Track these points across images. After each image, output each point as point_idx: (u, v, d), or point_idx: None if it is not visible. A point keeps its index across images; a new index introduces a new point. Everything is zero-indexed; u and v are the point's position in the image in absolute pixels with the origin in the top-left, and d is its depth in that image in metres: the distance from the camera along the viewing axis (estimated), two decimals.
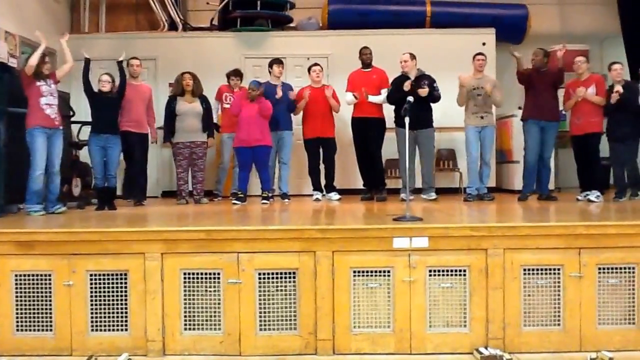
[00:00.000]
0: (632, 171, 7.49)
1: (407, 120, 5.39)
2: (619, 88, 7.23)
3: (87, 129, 7.36)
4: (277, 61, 8.37)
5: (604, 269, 4.52)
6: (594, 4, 10.59)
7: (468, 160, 7.93)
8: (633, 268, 4.53)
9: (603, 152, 7.78)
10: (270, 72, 8.33)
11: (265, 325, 4.49)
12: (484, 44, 9.28)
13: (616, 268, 4.53)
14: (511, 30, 9.98)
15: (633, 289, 4.54)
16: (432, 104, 7.79)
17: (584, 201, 7.37)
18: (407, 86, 7.52)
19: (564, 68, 7.55)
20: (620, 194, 7.42)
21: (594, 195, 7.36)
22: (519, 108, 8.42)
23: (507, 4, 10.14)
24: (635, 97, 7.14)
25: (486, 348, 4.42)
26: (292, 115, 8.37)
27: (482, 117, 7.78)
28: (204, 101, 8.03)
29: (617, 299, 4.55)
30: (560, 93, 7.80)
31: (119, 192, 7.96)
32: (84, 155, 7.74)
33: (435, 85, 7.70)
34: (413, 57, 7.79)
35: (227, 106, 8.42)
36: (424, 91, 7.49)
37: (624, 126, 7.32)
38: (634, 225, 4.58)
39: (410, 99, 5.53)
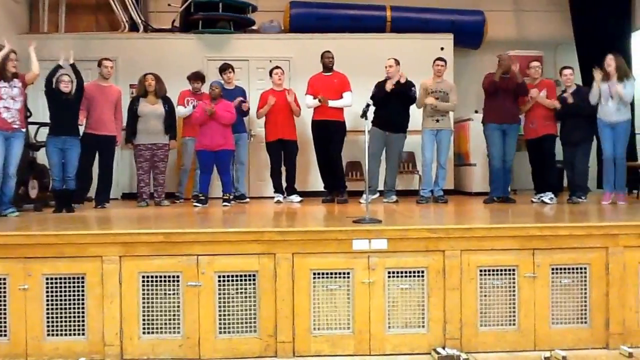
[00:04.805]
0: (581, 174, 7.67)
1: (365, 121, 5.48)
2: (567, 95, 7.47)
3: (44, 130, 7.25)
4: (224, 67, 8.47)
5: (557, 269, 4.63)
6: (549, 11, 10.84)
7: (423, 163, 8.09)
8: (585, 268, 4.64)
9: (558, 155, 7.96)
10: (222, 78, 8.44)
11: (225, 328, 4.48)
12: (442, 48, 9.44)
13: (569, 268, 4.64)
14: (469, 35, 10.15)
15: (585, 289, 4.65)
16: (409, 112, 7.99)
17: (539, 203, 7.53)
18: (389, 87, 7.71)
19: (523, 82, 7.63)
20: (573, 196, 7.59)
21: (547, 197, 7.53)
22: (476, 112, 8.57)
23: (464, 10, 10.30)
24: (587, 102, 7.31)
25: (444, 348, 4.48)
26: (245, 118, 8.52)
27: (437, 121, 7.91)
28: (167, 103, 7.98)
29: (569, 298, 4.66)
30: None
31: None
32: (41, 156, 7.62)
33: (413, 89, 7.87)
34: (397, 62, 7.93)
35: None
36: (390, 85, 7.67)
37: (577, 131, 7.49)
38: (585, 226, 4.73)
39: (370, 102, 5.61)
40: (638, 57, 9.60)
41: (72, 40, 9.24)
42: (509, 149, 7.71)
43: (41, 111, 7.63)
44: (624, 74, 7.17)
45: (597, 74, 7.25)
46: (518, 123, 7.82)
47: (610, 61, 7.18)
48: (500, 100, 7.61)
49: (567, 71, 7.67)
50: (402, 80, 7.70)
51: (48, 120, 6.99)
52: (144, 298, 4.45)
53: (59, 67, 6.82)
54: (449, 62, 8.69)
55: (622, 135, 7.24)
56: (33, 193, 7.50)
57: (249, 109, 8.38)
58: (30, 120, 7.64)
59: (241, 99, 8.13)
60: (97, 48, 8.95)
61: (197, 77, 8.53)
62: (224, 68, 8.49)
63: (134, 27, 9.91)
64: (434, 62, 8.05)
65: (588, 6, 9.82)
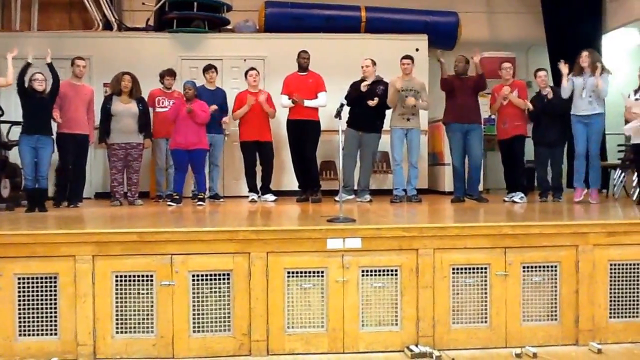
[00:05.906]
0: (556, 175, 7.77)
1: (339, 121, 5.50)
2: (549, 91, 7.53)
3: (16, 129, 7.17)
4: (207, 68, 8.48)
5: (528, 267, 4.69)
6: (521, 13, 10.99)
7: (392, 162, 8.13)
8: (555, 266, 4.71)
9: (529, 155, 8.06)
10: (205, 78, 8.44)
11: (199, 327, 4.47)
12: (417, 49, 9.49)
13: (539, 266, 4.70)
14: (443, 36, 10.24)
15: (555, 287, 4.72)
16: (384, 112, 8.03)
17: (510, 202, 7.62)
18: (364, 87, 7.73)
19: (483, 74, 7.73)
20: (544, 196, 7.71)
21: (518, 196, 7.63)
22: None
23: (439, 11, 10.38)
24: (560, 102, 7.41)
25: (417, 345, 4.52)
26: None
27: (408, 120, 7.89)
28: (141, 102, 7.94)
29: (540, 296, 4.72)
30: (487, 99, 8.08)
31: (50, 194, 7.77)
32: (13, 156, 7.54)
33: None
34: (374, 63, 7.96)
35: (161, 110, 8.38)
36: (373, 102, 7.70)
37: (552, 131, 7.58)
38: (555, 225, 4.79)
39: (344, 102, 5.64)
40: (609, 59, 9.74)
41: (45, 38, 9.13)
42: (472, 148, 7.74)
43: (13, 110, 7.55)
44: (602, 68, 7.21)
45: (564, 68, 7.33)
46: (480, 123, 7.89)
47: (585, 58, 7.25)
48: (460, 100, 7.67)
49: (541, 73, 7.76)
50: (372, 105, 7.71)
51: (21, 119, 6.92)
52: (117, 297, 4.43)
53: (28, 65, 6.73)
54: (424, 63, 8.73)
55: (595, 132, 7.30)
56: (5, 192, 7.43)
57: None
58: (2, 119, 7.58)
59: (215, 107, 8.01)
60: (70, 47, 8.87)
61: (170, 74, 8.54)
62: (207, 68, 8.48)
63: (107, 26, 9.85)
64: (400, 60, 8.01)
65: (560, 8, 9.96)
